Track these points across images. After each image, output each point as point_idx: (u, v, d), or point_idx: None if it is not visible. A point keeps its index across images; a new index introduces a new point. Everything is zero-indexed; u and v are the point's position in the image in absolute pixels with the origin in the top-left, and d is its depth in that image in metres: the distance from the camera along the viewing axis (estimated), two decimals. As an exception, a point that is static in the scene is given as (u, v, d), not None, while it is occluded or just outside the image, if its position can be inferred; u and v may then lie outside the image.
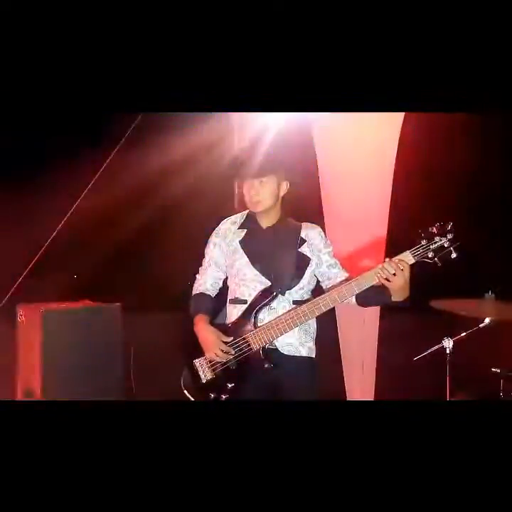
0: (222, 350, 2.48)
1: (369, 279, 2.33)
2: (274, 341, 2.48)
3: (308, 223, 2.63)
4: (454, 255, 2.25)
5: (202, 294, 2.67)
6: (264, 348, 2.46)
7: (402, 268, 2.27)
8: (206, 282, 2.68)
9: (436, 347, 3.00)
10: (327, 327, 3.28)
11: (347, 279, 2.49)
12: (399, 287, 2.30)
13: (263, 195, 2.53)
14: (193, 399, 2.56)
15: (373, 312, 3.66)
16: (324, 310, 2.41)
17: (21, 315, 3.80)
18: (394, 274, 2.27)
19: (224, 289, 2.68)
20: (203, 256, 2.72)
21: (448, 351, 2.97)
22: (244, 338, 2.48)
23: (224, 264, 2.65)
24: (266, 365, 2.45)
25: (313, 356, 2.57)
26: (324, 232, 2.66)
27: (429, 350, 3.02)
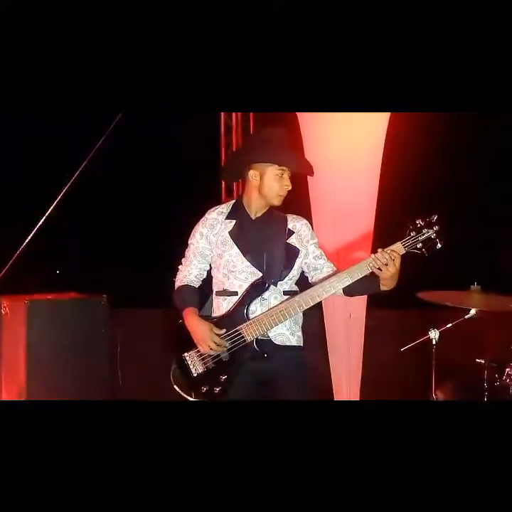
0: (216, 343, 2.45)
1: (362, 270, 2.38)
2: (267, 332, 2.49)
3: (294, 215, 2.64)
4: (439, 245, 2.36)
5: (187, 286, 2.61)
6: (257, 339, 2.47)
7: (393, 258, 2.33)
8: (191, 274, 2.62)
9: (422, 338, 3.05)
10: (313, 317, 3.31)
11: (334, 271, 2.52)
12: (390, 276, 2.36)
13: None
14: (183, 394, 2.50)
15: (360, 303, 3.69)
16: (319, 300, 2.44)
17: (5, 307, 3.76)
18: (386, 264, 2.32)
19: (206, 280, 2.63)
20: (186, 247, 2.65)
21: (434, 342, 3.02)
22: (237, 330, 2.47)
23: (210, 255, 2.60)
24: (260, 356, 2.45)
25: (302, 345, 2.59)
26: (311, 224, 2.67)
27: (416, 342, 3.07)
